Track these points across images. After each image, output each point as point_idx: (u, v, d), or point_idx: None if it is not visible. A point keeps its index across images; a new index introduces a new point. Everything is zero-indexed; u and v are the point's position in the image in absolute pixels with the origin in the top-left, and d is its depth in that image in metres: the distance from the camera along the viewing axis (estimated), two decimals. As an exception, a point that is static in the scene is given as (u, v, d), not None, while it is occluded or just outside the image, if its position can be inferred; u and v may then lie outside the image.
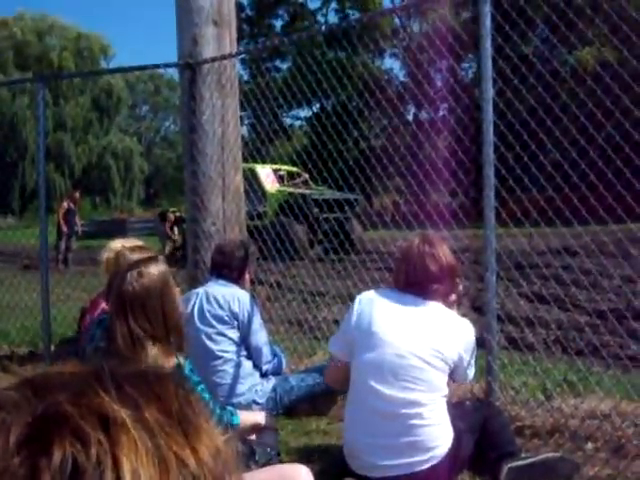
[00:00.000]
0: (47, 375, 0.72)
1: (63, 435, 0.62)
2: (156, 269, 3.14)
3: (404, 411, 3.37)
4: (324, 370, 4.29)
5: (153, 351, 3.03)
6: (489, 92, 4.55)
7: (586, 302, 7.44)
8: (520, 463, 3.66)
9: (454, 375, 3.56)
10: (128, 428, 0.64)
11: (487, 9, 4.56)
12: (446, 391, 3.50)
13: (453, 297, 3.74)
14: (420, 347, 3.41)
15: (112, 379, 0.69)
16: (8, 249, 22.47)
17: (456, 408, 3.65)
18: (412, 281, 3.57)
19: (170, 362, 3.07)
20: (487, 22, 4.56)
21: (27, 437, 0.63)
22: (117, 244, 4.36)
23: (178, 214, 20.74)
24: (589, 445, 4.31)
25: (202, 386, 3.38)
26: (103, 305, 4.19)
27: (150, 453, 0.64)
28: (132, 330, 3.00)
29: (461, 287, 3.93)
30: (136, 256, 3.94)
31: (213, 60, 6.23)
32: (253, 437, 3.82)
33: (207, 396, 3.40)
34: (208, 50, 6.26)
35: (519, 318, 6.29)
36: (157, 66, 7.26)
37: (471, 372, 3.67)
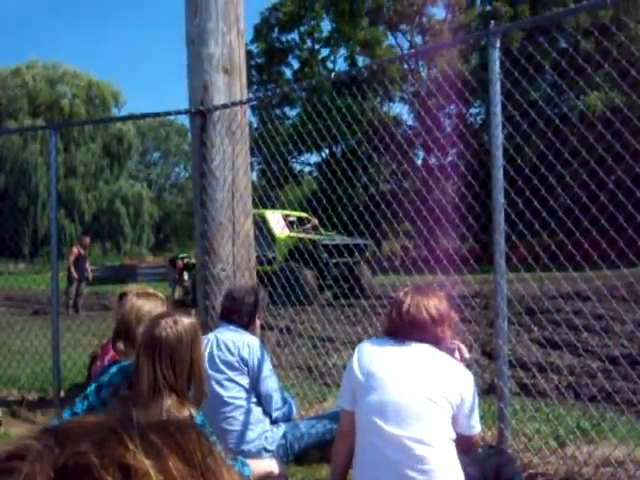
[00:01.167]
0: (70, 424, 0.71)
1: None
2: (189, 320, 3.25)
3: (410, 451, 3.34)
4: (335, 432, 4.26)
5: (169, 401, 3.05)
6: (499, 137, 4.56)
7: (598, 347, 7.39)
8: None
9: (457, 423, 3.52)
10: (151, 478, 0.64)
11: (496, 55, 4.59)
12: (453, 435, 3.47)
13: (456, 344, 3.81)
14: (422, 385, 3.43)
15: (134, 429, 0.69)
16: (19, 294, 22.52)
17: (468, 455, 3.61)
18: (396, 327, 3.67)
19: (183, 413, 3.08)
20: (496, 68, 4.59)
21: None
22: (130, 290, 4.36)
23: (187, 260, 20.81)
24: (604, 493, 4.25)
25: (213, 437, 3.36)
26: (113, 352, 4.18)
27: None
28: (157, 375, 3.05)
29: (459, 343, 3.94)
30: (141, 301, 3.95)
31: (224, 107, 6.28)
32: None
33: (218, 447, 3.38)
34: (219, 97, 6.31)
35: (531, 364, 6.25)
36: (169, 113, 7.32)
37: (476, 424, 3.63)
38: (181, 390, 3.12)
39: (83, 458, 0.63)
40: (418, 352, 3.57)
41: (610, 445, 4.60)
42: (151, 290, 4.33)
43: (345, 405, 3.74)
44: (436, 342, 3.62)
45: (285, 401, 5.21)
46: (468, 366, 3.80)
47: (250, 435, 4.88)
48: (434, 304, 3.66)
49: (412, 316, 3.64)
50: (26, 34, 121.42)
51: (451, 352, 3.75)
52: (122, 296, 4.32)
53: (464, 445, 3.56)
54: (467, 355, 3.91)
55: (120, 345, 3.86)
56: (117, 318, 4.05)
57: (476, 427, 3.64)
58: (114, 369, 3.57)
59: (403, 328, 3.66)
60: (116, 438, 0.67)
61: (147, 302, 3.95)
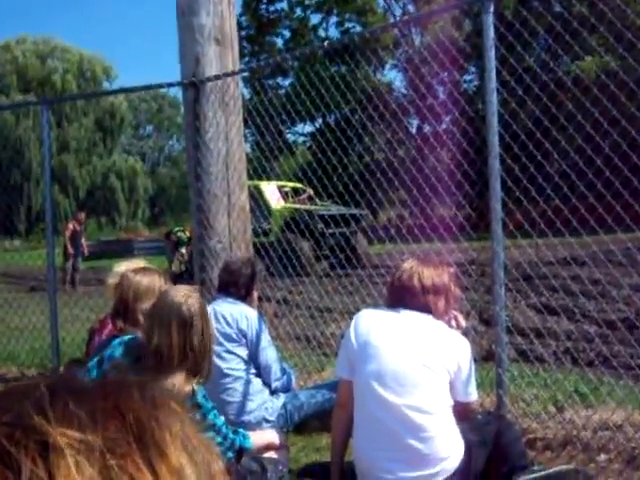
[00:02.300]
0: (4, 390, 0.66)
1: None
2: (198, 297, 3.29)
3: (408, 419, 3.36)
4: (335, 404, 4.27)
5: (177, 375, 3.07)
6: (494, 104, 4.54)
7: (595, 312, 7.40)
8: (533, 476, 3.64)
9: (454, 390, 3.54)
10: (64, 453, 0.57)
11: (490, 20, 4.56)
12: (451, 401, 3.50)
13: (452, 313, 3.82)
14: (418, 352, 3.47)
15: (57, 397, 0.62)
16: (15, 271, 22.50)
17: (466, 421, 3.63)
18: (397, 297, 3.70)
19: (187, 388, 3.10)
20: (490, 33, 4.56)
21: None
22: (122, 267, 4.34)
23: (180, 234, 20.78)
24: (602, 457, 4.28)
25: (215, 412, 3.38)
26: (111, 326, 4.17)
27: (94, 479, 0.57)
28: (169, 348, 3.07)
29: (455, 311, 3.94)
30: (138, 277, 3.94)
31: (216, 78, 6.24)
32: (265, 454, 3.81)
33: (220, 421, 3.41)
34: (211, 69, 6.27)
35: (528, 330, 6.26)
36: (160, 86, 7.27)
37: (473, 391, 3.65)
38: (192, 364, 3.13)
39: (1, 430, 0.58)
40: (414, 320, 3.59)
41: (608, 409, 4.62)
42: (147, 264, 4.32)
43: (343, 374, 3.75)
44: (427, 312, 3.63)
45: (284, 372, 5.23)
46: (465, 334, 3.81)
47: (250, 406, 4.90)
48: (430, 274, 3.67)
49: (402, 282, 3.68)
50: (13, 9, 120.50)
51: (447, 321, 3.76)
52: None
53: (461, 412, 3.58)
54: (463, 323, 3.92)
55: (120, 323, 3.86)
56: (115, 296, 4.04)
57: (473, 394, 3.66)
58: (116, 342, 3.57)
59: (396, 295, 3.71)
60: (36, 407, 0.61)
61: (144, 277, 3.94)
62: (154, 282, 3.92)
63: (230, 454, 3.50)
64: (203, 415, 3.27)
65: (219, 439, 3.39)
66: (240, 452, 3.55)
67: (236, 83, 6.54)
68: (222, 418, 3.52)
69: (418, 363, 3.43)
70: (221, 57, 6.34)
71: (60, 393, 0.63)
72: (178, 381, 3.08)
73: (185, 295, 3.22)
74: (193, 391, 3.13)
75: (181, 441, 0.65)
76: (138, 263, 4.42)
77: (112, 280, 4.33)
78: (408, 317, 3.60)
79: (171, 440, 0.64)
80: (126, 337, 3.60)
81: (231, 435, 3.49)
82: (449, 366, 3.47)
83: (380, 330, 3.57)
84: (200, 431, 0.69)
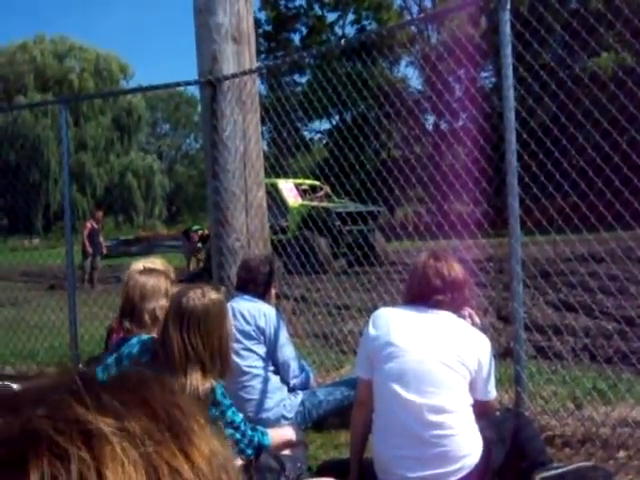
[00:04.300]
0: (27, 389, 0.67)
1: (40, 453, 0.57)
2: (216, 294, 3.32)
3: (430, 418, 3.37)
4: (353, 399, 4.27)
5: (194, 373, 3.08)
6: (511, 100, 4.53)
7: (613, 309, 7.37)
8: (552, 473, 3.64)
9: (474, 389, 3.54)
10: (110, 440, 0.59)
11: (506, 17, 4.55)
12: (471, 400, 3.50)
13: (467, 310, 3.81)
14: (440, 351, 3.46)
15: (89, 388, 0.64)
16: (34, 270, 22.59)
17: (485, 418, 3.63)
18: (417, 293, 3.70)
19: (206, 385, 3.11)
20: (507, 30, 4.55)
21: (2, 459, 0.57)
22: (139, 265, 4.35)
23: (201, 231, 20.85)
24: (621, 453, 4.27)
25: (233, 409, 3.40)
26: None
27: (138, 464, 0.59)
28: (185, 347, 3.09)
29: (474, 303, 3.95)
30: (144, 278, 3.95)
31: (234, 76, 6.25)
32: (284, 452, 3.82)
33: (238, 418, 3.42)
34: (228, 67, 6.29)
35: (546, 326, 6.24)
36: (178, 84, 7.30)
37: (492, 389, 3.65)
38: (208, 363, 3.15)
39: (36, 423, 0.59)
40: (435, 319, 3.58)
41: (627, 406, 4.61)
42: (154, 265, 4.32)
43: (362, 374, 3.76)
44: (447, 307, 3.63)
45: (302, 369, 5.24)
46: (483, 331, 3.81)
47: (268, 403, 4.91)
48: (448, 269, 3.67)
49: (420, 278, 3.68)
50: (28, 9, 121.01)
51: (462, 318, 3.76)
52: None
53: (481, 410, 3.58)
54: (478, 321, 3.91)
55: (127, 324, 3.87)
56: (121, 296, 4.06)
57: (492, 392, 3.66)
58: (134, 340, 3.60)
59: (414, 291, 3.72)
60: (73, 398, 0.62)
61: (150, 278, 3.95)
62: (160, 283, 3.93)
63: (249, 451, 3.51)
64: (222, 412, 3.29)
65: (238, 436, 3.41)
66: (259, 449, 3.56)
67: (253, 81, 6.56)
68: (241, 415, 3.54)
69: (439, 362, 3.42)
70: (238, 55, 6.36)
71: (91, 385, 0.65)
72: (195, 379, 3.09)
73: (201, 294, 3.24)
74: (212, 388, 3.15)
75: (203, 428, 0.67)
76: (154, 261, 4.43)
77: (125, 277, 4.35)
78: (428, 315, 3.59)
79: (199, 429, 0.67)
80: (144, 336, 3.62)
81: (249, 432, 3.51)
82: (470, 366, 3.46)
83: (400, 329, 3.57)
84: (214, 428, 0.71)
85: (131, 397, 0.66)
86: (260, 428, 3.71)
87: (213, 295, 3.28)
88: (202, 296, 3.23)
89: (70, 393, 0.64)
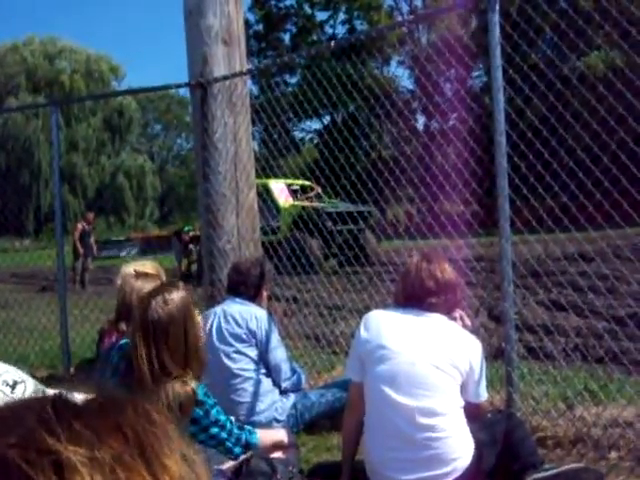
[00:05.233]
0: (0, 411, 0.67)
1: None
2: (178, 295, 3.18)
3: (421, 421, 3.37)
4: (345, 401, 4.27)
5: (170, 382, 3.04)
6: (500, 101, 4.54)
7: (604, 308, 7.39)
8: (543, 474, 3.64)
9: (466, 391, 3.54)
10: (79, 470, 0.59)
11: (496, 18, 4.56)
12: (462, 402, 3.50)
13: (458, 312, 3.82)
14: (431, 354, 3.46)
15: (61, 417, 0.64)
16: (25, 271, 22.55)
17: (477, 420, 3.63)
18: (410, 295, 3.70)
19: (186, 389, 3.08)
20: (496, 31, 4.56)
21: None
22: (129, 268, 4.35)
23: (192, 232, 20.83)
24: (613, 454, 4.27)
25: (217, 408, 3.37)
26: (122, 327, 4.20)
27: None
28: (152, 359, 3.03)
29: (465, 304, 3.96)
30: (140, 282, 3.96)
31: (224, 79, 6.25)
32: (275, 455, 3.82)
33: (223, 417, 3.40)
34: (219, 69, 6.28)
35: (537, 326, 6.26)
36: (168, 87, 7.30)
37: (483, 392, 3.66)
38: (181, 369, 3.10)
39: (9, 452, 0.59)
40: (426, 321, 3.59)
41: (618, 406, 4.62)
42: (149, 269, 4.32)
43: (354, 377, 3.76)
44: (438, 309, 3.63)
45: (294, 371, 5.24)
46: (474, 333, 3.81)
47: (260, 406, 4.91)
48: (440, 270, 3.68)
49: (412, 279, 3.69)
50: (18, 10, 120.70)
51: (453, 320, 3.76)
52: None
53: (472, 412, 3.59)
54: (469, 323, 3.92)
55: (122, 326, 3.87)
56: (118, 300, 4.07)
57: (483, 395, 3.67)
58: (115, 349, 3.57)
59: (406, 293, 3.72)
60: (44, 428, 0.62)
61: (146, 283, 3.95)
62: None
63: (237, 450, 3.50)
64: (206, 411, 3.27)
65: (224, 435, 3.39)
66: (246, 447, 3.55)
67: (244, 83, 6.56)
68: (232, 418, 3.53)
69: (431, 365, 3.42)
70: (228, 57, 6.36)
71: (63, 412, 0.65)
72: (173, 387, 3.05)
73: (163, 302, 3.12)
74: (193, 390, 3.12)
75: (180, 453, 0.68)
76: (144, 264, 4.44)
77: (119, 281, 4.36)
78: (419, 318, 3.60)
79: (170, 453, 0.67)
80: (124, 341, 3.58)
81: (236, 430, 3.49)
82: (462, 368, 3.47)
83: (391, 332, 3.56)
84: (189, 443, 0.72)
85: (104, 423, 0.66)
86: (247, 427, 3.70)
87: (175, 296, 3.16)
88: (164, 304, 3.11)
89: (41, 423, 0.63)
